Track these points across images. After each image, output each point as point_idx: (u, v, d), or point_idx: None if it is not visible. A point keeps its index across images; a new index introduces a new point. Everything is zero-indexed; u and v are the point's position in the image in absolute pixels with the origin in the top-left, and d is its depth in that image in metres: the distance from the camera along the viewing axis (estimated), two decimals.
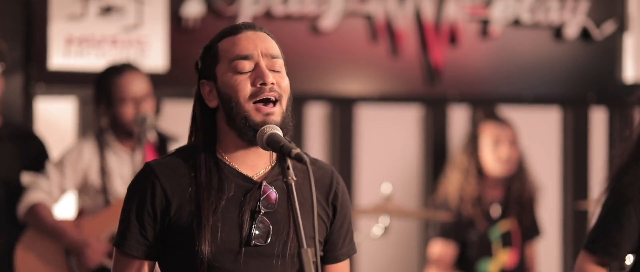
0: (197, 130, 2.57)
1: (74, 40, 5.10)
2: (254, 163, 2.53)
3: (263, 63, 2.49)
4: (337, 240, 2.62)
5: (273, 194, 2.50)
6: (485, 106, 5.67)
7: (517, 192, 5.39)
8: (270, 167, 2.54)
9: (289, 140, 2.41)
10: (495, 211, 5.32)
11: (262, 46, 2.51)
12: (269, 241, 2.48)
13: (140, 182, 2.52)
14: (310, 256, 2.30)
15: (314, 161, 2.57)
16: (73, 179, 4.37)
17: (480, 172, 5.35)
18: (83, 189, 4.41)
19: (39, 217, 4.29)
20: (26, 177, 4.40)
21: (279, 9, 5.40)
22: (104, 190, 4.34)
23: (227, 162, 2.52)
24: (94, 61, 5.11)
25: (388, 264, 5.80)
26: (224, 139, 2.53)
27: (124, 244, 2.51)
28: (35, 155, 4.45)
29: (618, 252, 3.16)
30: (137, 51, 5.17)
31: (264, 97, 2.46)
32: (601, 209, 3.20)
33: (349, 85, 5.62)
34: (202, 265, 2.45)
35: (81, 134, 5.26)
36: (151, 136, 4.39)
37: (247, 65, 2.49)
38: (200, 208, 2.46)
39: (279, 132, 2.43)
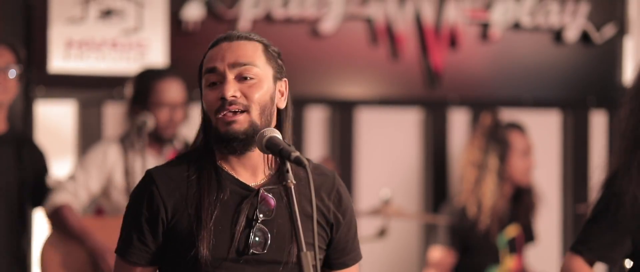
0: (200, 136, 2.56)
1: (74, 44, 5.10)
2: (252, 170, 2.51)
3: (229, 75, 2.46)
4: (344, 245, 2.60)
5: (271, 201, 2.48)
6: (485, 109, 5.65)
7: (527, 200, 5.38)
8: (269, 174, 2.53)
9: (288, 143, 2.40)
10: (505, 217, 5.31)
11: (231, 57, 2.46)
12: (267, 249, 2.47)
13: (140, 190, 2.53)
14: (309, 259, 2.29)
15: (317, 166, 2.57)
16: (98, 179, 4.40)
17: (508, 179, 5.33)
18: (107, 190, 4.43)
19: (64, 220, 4.30)
20: (51, 179, 4.45)
21: (279, 12, 5.40)
22: (128, 190, 4.35)
23: (226, 170, 2.51)
24: (94, 64, 5.11)
25: (387, 268, 5.80)
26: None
27: (126, 251, 2.51)
28: (33, 164, 4.44)
29: (606, 255, 3.12)
30: (137, 54, 5.16)
31: (225, 112, 2.44)
32: (592, 210, 3.17)
33: (349, 89, 5.62)
34: None
35: (81, 137, 5.26)
36: (178, 144, 4.49)
37: (214, 78, 2.47)
38: (199, 215, 2.45)
39: (278, 135, 2.42)
